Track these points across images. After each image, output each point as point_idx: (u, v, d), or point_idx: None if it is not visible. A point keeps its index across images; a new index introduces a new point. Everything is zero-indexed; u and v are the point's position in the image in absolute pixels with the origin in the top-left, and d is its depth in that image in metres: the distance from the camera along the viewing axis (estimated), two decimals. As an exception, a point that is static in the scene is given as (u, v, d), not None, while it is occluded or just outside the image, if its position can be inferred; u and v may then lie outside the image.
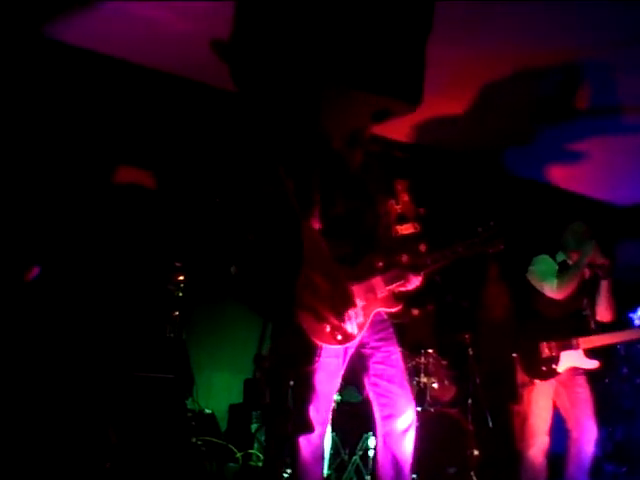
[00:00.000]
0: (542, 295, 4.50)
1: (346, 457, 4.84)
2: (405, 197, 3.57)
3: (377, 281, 3.35)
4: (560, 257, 4.60)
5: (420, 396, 5.12)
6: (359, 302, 3.29)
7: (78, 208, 4.78)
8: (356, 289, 3.29)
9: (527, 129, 5.52)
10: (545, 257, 4.61)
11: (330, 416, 3.46)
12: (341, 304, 3.28)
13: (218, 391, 5.65)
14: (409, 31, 3.43)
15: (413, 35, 3.44)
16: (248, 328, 5.60)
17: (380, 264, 3.38)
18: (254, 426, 5.27)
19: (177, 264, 5.04)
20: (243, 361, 5.54)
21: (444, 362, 5.39)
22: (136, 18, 4.25)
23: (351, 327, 3.26)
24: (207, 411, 5.23)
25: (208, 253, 5.48)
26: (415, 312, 5.35)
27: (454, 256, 3.45)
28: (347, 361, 3.34)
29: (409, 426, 3.31)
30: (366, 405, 3.43)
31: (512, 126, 5.53)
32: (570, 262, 4.54)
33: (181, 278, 5.02)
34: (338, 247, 3.35)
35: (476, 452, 4.94)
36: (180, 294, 4.99)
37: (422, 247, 3.51)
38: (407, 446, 3.31)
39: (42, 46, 4.52)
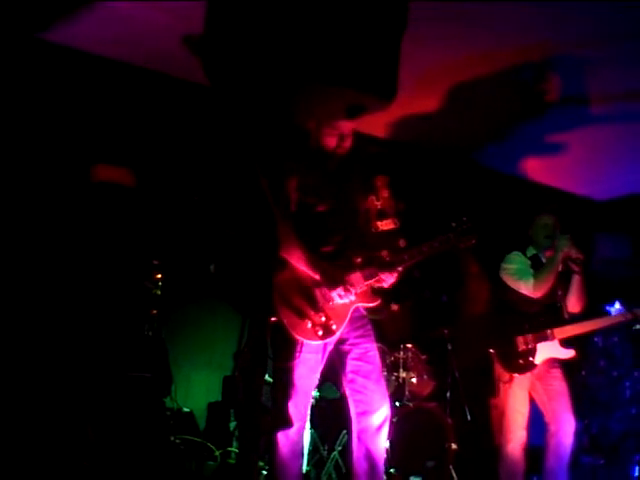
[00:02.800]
0: (516, 291, 4.50)
1: (325, 453, 4.84)
2: (385, 193, 3.59)
3: (356, 277, 3.35)
4: (530, 252, 4.60)
5: (399, 391, 5.14)
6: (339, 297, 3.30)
7: (56, 206, 4.74)
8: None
9: (503, 124, 5.53)
10: (517, 254, 4.60)
11: (309, 412, 3.47)
12: (322, 300, 3.28)
13: (197, 389, 5.62)
14: (384, 26, 3.43)
15: (388, 30, 3.44)
16: (226, 326, 5.58)
17: (359, 260, 3.39)
18: (233, 424, 5.25)
19: (155, 262, 5.01)
20: (222, 359, 5.51)
21: (423, 357, 5.40)
22: (111, 13, 4.21)
23: (332, 322, 3.27)
24: (185, 409, 5.20)
25: (186, 251, 5.45)
26: (394, 307, 5.36)
27: (431, 251, 3.48)
28: (326, 357, 3.35)
29: (383, 422, 3.35)
30: (345, 401, 3.43)
31: (488, 121, 5.54)
32: (543, 257, 4.56)
33: (159, 276, 4.99)
34: (318, 244, 3.35)
35: (454, 446, 4.95)
36: (158, 292, 4.96)
37: (401, 243, 3.53)
38: (381, 442, 3.36)
39: (19, 43, 4.46)
